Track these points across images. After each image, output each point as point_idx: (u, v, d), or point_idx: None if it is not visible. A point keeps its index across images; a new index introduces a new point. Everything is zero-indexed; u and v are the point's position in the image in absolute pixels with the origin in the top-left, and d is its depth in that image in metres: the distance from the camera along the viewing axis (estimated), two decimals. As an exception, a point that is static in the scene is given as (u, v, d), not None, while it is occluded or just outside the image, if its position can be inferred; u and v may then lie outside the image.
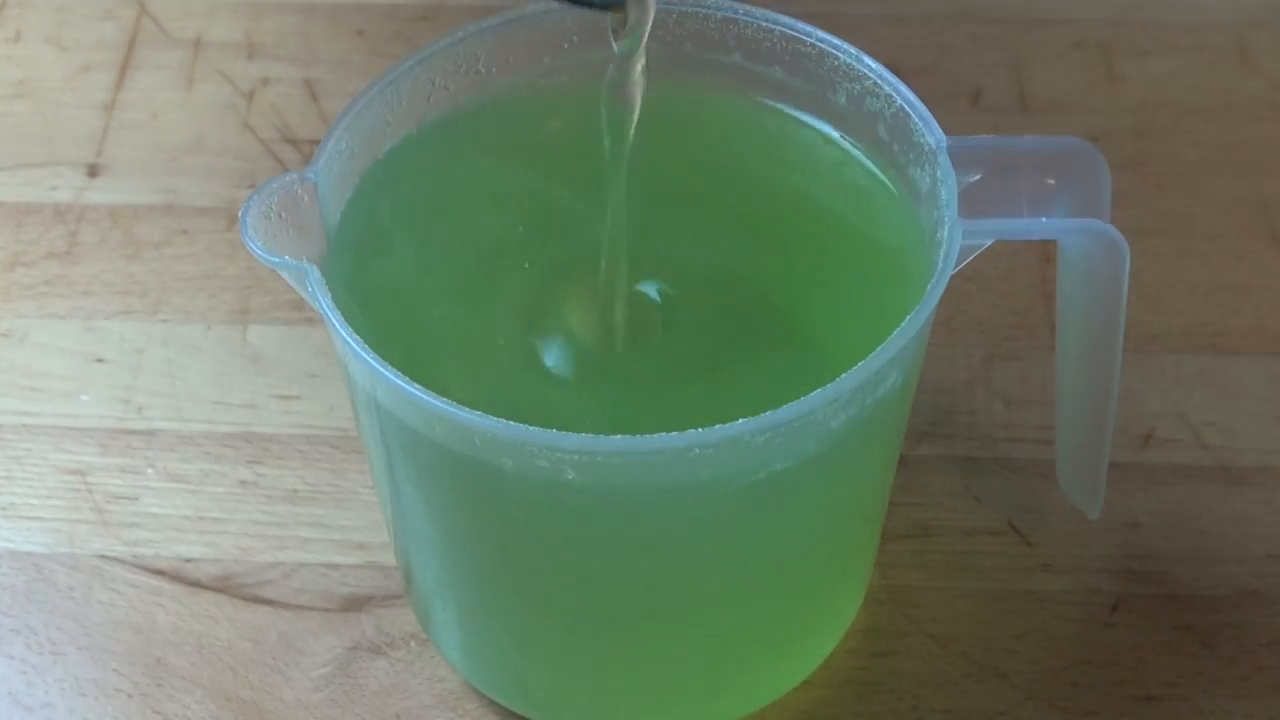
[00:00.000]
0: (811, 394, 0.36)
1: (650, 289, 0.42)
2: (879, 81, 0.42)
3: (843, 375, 0.36)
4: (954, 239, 0.39)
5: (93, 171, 0.59)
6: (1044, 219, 0.40)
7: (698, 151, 0.45)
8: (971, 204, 0.39)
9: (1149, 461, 0.51)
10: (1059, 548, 0.49)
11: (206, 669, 0.47)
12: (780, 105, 0.44)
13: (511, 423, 0.35)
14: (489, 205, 0.44)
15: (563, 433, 0.35)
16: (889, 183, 0.42)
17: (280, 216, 0.39)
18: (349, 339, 0.37)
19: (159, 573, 0.49)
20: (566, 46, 0.44)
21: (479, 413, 0.36)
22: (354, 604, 0.48)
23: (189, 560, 0.49)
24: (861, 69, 0.42)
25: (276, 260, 0.38)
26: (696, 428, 0.35)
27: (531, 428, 0.35)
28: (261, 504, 0.50)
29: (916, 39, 0.63)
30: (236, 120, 0.61)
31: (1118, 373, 0.43)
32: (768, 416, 0.35)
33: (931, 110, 0.41)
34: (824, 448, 0.38)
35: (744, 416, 0.35)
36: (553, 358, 0.41)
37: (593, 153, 0.44)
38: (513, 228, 0.44)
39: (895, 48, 0.62)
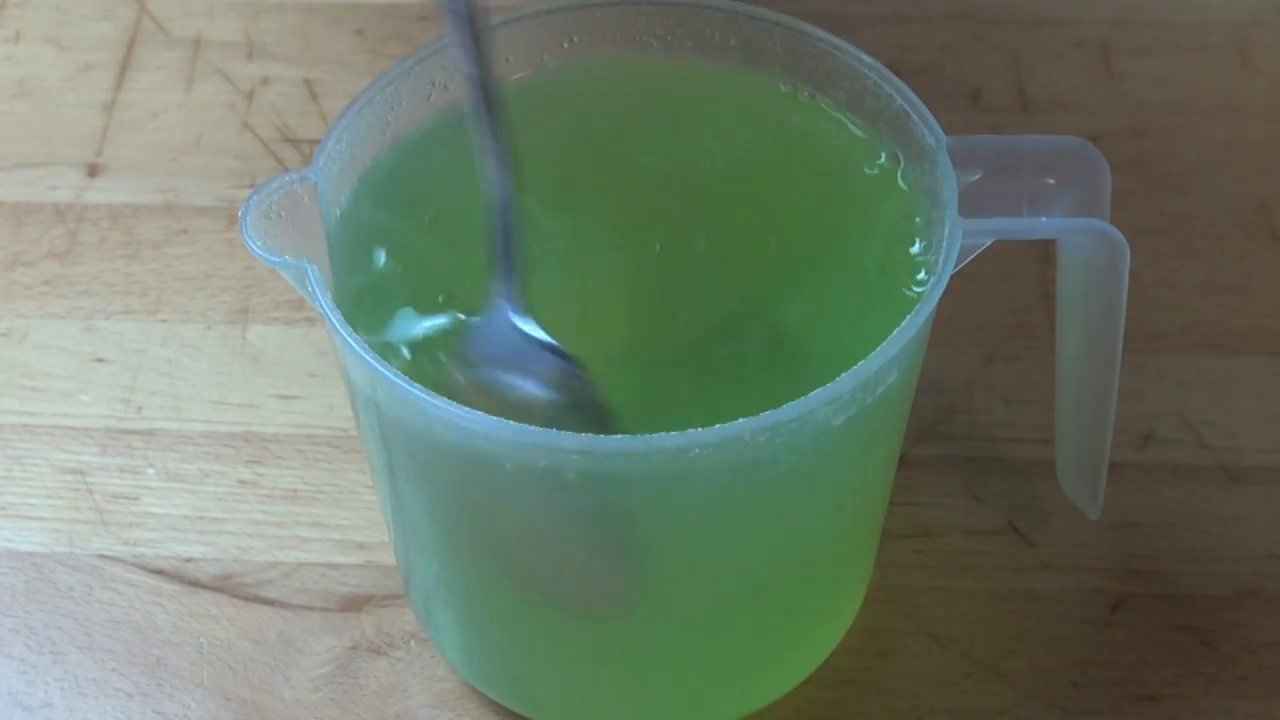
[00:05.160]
0: (811, 394, 0.36)
1: (648, 288, 0.42)
2: (879, 81, 0.42)
3: (843, 375, 0.36)
4: (954, 238, 0.39)
5: (93, 171, 0.59)
6: (1044, 219, 0.40)
7: (698, 143, 0.44)
8: (971, 203, 0.40)
9: (1149, 461, 0.51)
10: (1059, 548, 0.49)
11: (206, 669, 0.47)
12: (777, 97, 0.44)
13: (511, 423, 0.35)
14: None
15: (563, 433, 0.35)
16: (889, 182, 0.42)
17: (280, 216, 0.39)
18: (349, 339, 0.37)
19: (159, 572, 0.49)
20: (566, 46, 0.44)
21: (479, 413, 0.36)
22: (354, 604, 0.48)
23: (189, 560, 0.49)
24: (861, 69, 0.42)
25: (276, 260, 0.38)
26: (696, 427, 0.35)
27: (531, 428, 0.35)
28: (261, 504, 0.50)
29: (916, 39, 0.63)
30: (236, 120, 0.61)
31: (1117, 373, 0.43)
32: (768, 416, 0.35)
33: (931, 110, 0.41)
34: (824, 447, 0.38)
35: (743, 415, 0.35)
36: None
37: (592, 150, 0.44)
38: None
39: (895, 48, 0.62)
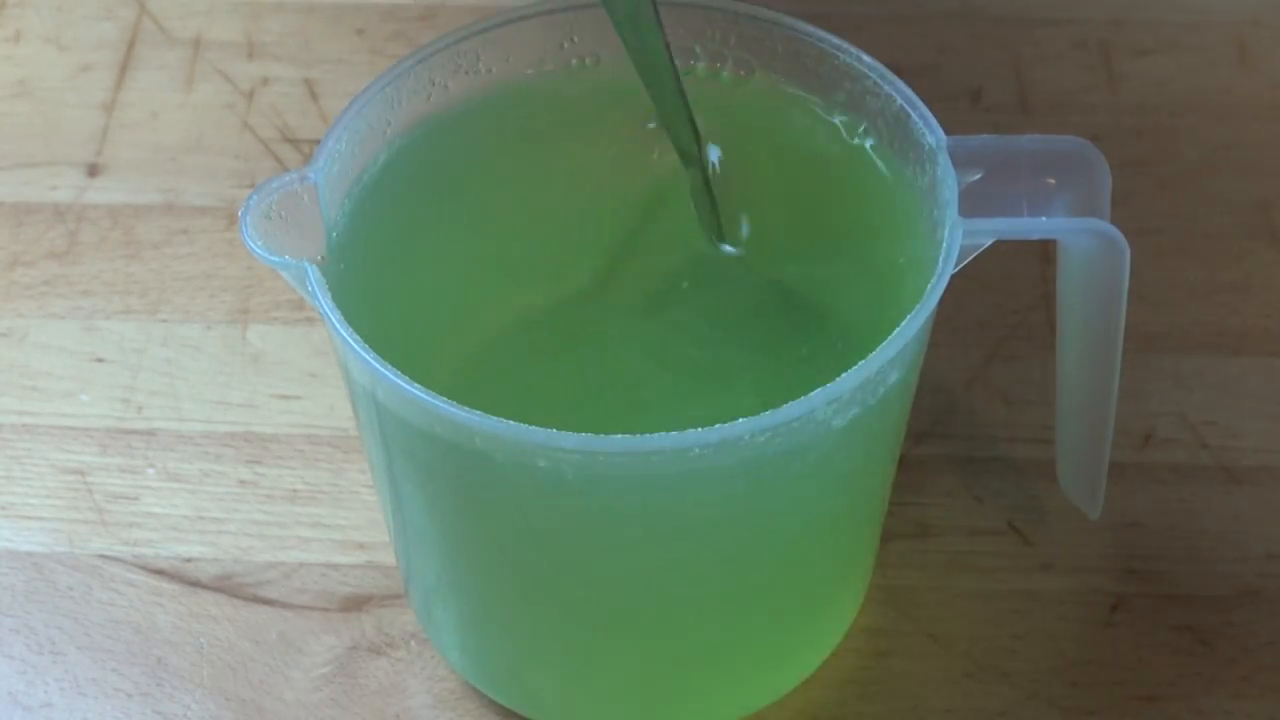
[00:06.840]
0: (811, 393, 0.36)
1: (647, 288, 0.42)
2: (879, 81, 0.42)
3: (843, 375, 0.36)
4: (954, 238, 0.39)
5: (93, 171, 0.59)
6: (1044, 219, 0.40)
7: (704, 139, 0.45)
8: (971, 203, 0.39)
9: (1149, 461, 0.51)
10: (1059, 548, 0.49)
11: (206, 669, 0.47)
12: (778, 97, 0.44)
13: (511, 422, 0.35)
14: (489, 204, 0.44)
15: (563, 432, 0.35)
16: (888, 182, 0.42)
17: (280, 216, 0.39)
18: (349, 339, 0.37)
19: (159, 572, 0.49)
20: (566, 46, 0.44)
21: (479, 413, 0.36)
22: (354, 604, 0.48)
23: (189, 560, 0.49)
24: (861, 69, 0.42)
25: (276, 260, 0.38)
26: (696, 427, 0.35)
27: (531, 427, 0.35)
28: (261, 504, 0.50)
29: (916, 39, 0.63)
30: (236, 120, 0.61)
31: (1118, 373, 0.43)
32: (768, 416, 0.35)
33: (931, 110, 0.41)
34: (824, 447, 0.38)
35: (743, 415, 0.35)
36: (554, 354, 0.41)
37: (592, 150, 0.44)
38: (513, 226, 0.44)
39: (895, 48, 0.62)
